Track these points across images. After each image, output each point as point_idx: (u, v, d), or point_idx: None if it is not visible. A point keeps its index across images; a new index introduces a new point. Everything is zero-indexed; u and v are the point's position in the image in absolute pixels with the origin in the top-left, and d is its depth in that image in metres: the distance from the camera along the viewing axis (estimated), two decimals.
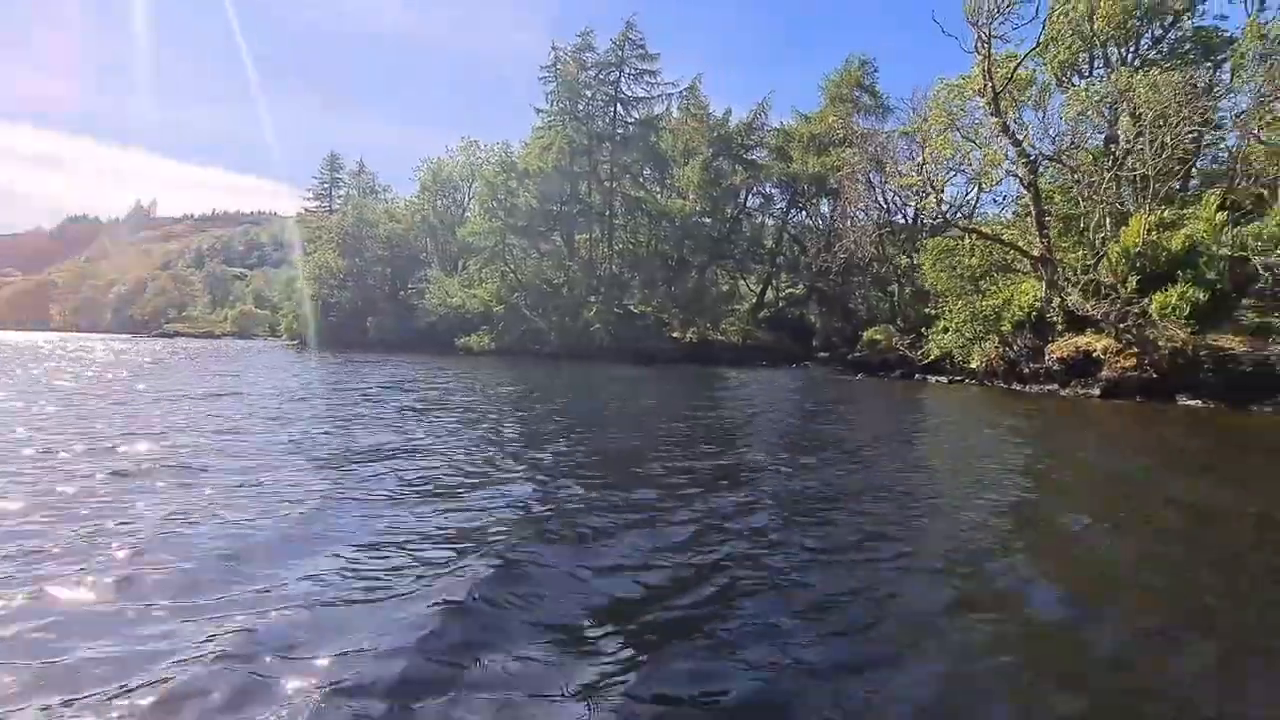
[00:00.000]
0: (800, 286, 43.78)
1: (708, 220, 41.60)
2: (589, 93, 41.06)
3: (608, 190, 40.84)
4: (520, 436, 8.77)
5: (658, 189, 43.89)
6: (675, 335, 36.08)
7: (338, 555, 3.87)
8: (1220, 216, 17.19)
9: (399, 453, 7.11)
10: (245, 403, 11.41)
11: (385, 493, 5.41)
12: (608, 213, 41.06)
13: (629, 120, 41.20)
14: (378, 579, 3.52)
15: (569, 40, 41.49)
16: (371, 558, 3.87)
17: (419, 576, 3.56)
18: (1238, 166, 17.46)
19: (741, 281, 45.97)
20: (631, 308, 37.92)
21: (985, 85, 19.26)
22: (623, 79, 40.58)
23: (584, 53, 41.17)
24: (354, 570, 3.64)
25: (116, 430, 7.87)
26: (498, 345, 37.21)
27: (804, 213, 42.88)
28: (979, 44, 19.48)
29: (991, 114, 19.45)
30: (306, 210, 67.34)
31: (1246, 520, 5.79)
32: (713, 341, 35.82)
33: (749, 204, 44.11)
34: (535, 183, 39.51)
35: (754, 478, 6.66)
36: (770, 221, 44.85)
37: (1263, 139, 16.08)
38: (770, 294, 44.81)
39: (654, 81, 41.03)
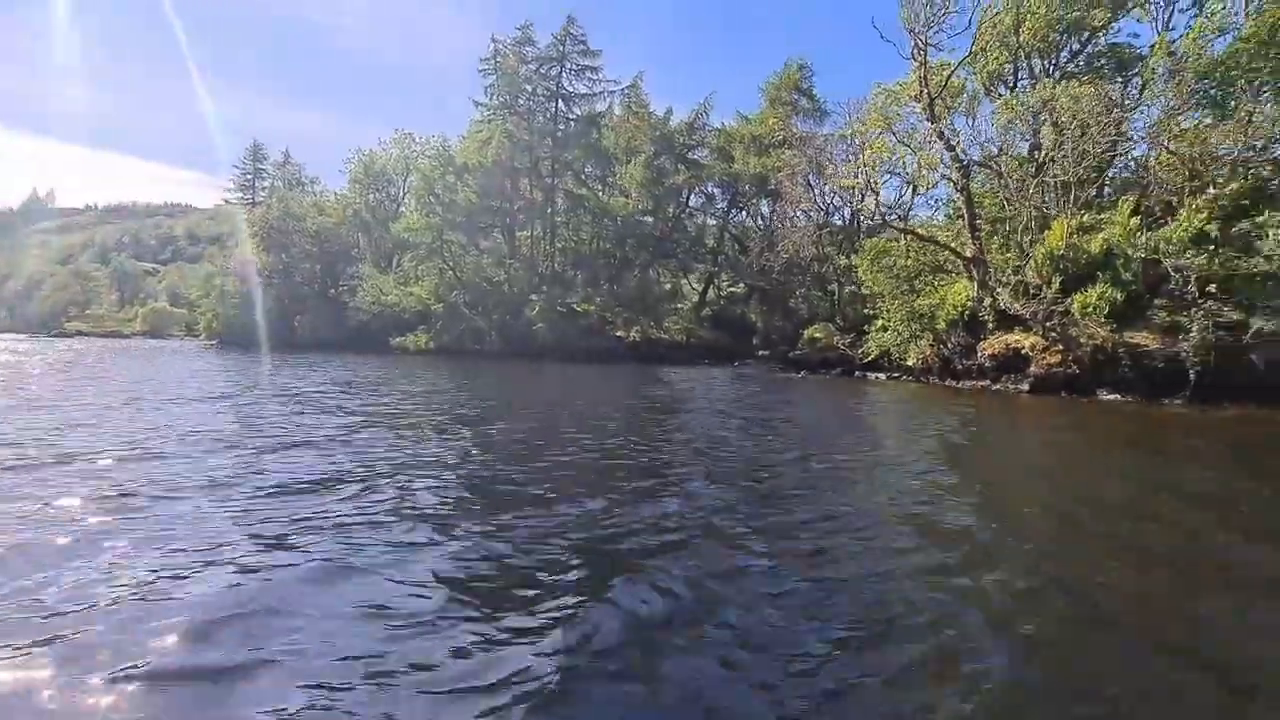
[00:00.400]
0: (741, 285, 44.35)
1: (650, 219, 41.61)
2: (529, 87, 40.40)
3: (549, 187, 40.28)
4: (494, 452, 8.28)
5: (599, 187, 43.59)
6: (619, 334, 35.87)
7: (345, 617, 3.19)
8: (1134, 222, 18.30)
9: (370, 475, 6.10)
10: (173, 413, 10.49)
11: (377, 527, 4.57)
12: (549, 210, 40.53)
13: (570, 116, 40.79)
14: (412, 651, 2.90)
15: (509, 33, 40.78)
16: (393, 622, 3.16)
17: (472, 642, 2.99)
18: (1150, 175, 18.62)
19: (684, 280, 46.24)
20: (574, 306, 37.46)
21: (921, 91, 19.90)
22: (564, 74, 40.14)
23: (524, 46, 40.48)
24: (380, 641, 2.96)
25: (26, 450, 6.98)
26: (436, 345, 36.09)
27: (744, 212, 43.52)
28: (915, 51, 20.12)
29: (928, 119, 20.12)
30: (227, 202, 63.64)
31: (1194, 500, 6.09)
32: (656, 340, 35.81)
33: (691, 203, 44.39)
34: (474, 178, 38.55)
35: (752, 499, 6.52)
36: (712, 221, 45.32)
37: (1171, 149, 17.19)
38: (712, 292, 45.22)
39: (595, 78, 40.78)
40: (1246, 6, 18.02)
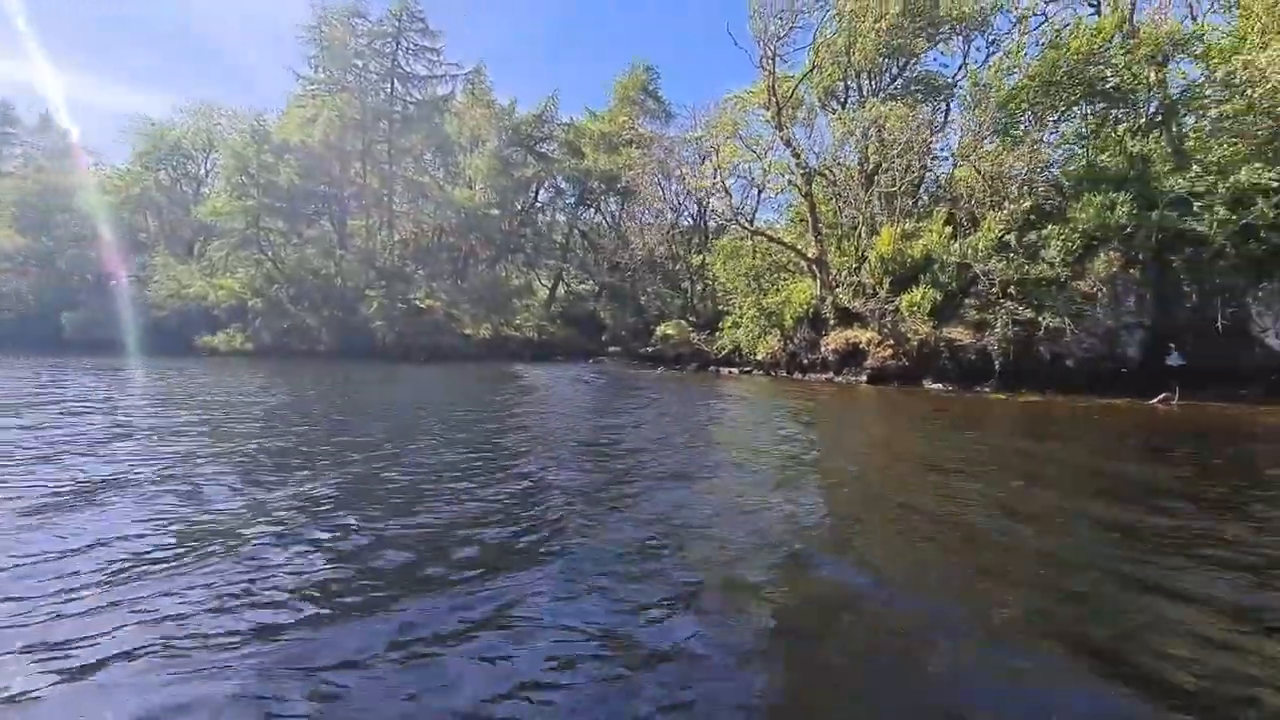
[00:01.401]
0: (590, 283, 44.30)
1: (496, 211, 40.08)
2: (360, 63, 37.06)
3: (386, 173, 37.30)
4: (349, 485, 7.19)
5: (442, 175, 41.25)
6: (467, 331, 34.17)
7: None
8: (947, 230, 20.73)
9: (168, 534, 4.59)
10: None
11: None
12: (386, 198, 37.55)
13: (409, 99, 38.07)
14: None
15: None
16: None
17: None
18: (959, 190, 21.17)
19: (535, 276, 45.22)
20: (417, 302, 35.09)
21: (770, 99, 20.96)
22: (400, 53, 37.31)
23: (353, 18, 37.02)
24: None
25: None
26: (254, 345, 31.92)
27: (593, 210, 43.44)
28: (764, 60, 21.15)
29: (776, 127, 21.25)
30: None
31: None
32: (508, 337, 34.65)
33: (539, 198, 43.48)
34: (297, 158, 34.56)
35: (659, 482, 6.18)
36: (561, 217, 44.77)
37: (979, 169, 19.68)
38: (562, 289, 44.69)
39: (436, 60, 38.37)
40: (1018, 51, 21.15)
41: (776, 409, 13.85)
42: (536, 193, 42.83)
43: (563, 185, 42.60)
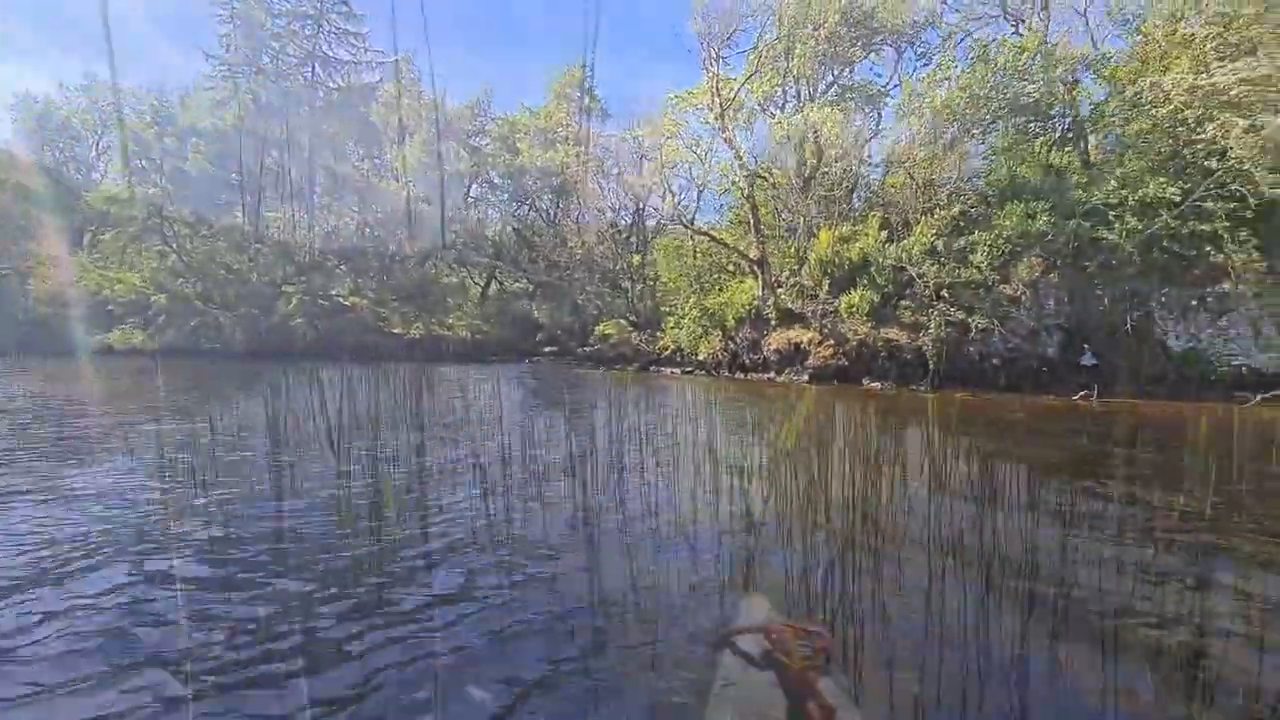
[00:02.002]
0: (524, 281, 43.39)
1: (426, 206, 38.68)
2: (277, 45, 34.93)
3: (306, 162, 35.27)
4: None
5: (367, 167, 39.42)
6: (396, 331, 32.77)
7: None
8: (882, 234, 21.41)
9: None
10: None
11: None
12: (307, 188, 35.52)
13: (331, 85, 36.18)
14: None
15: None
16: None
17: None
18: (893, 195, 21.93)
19: (467, 275, 43.86)
20: (341, 300, 33.36)
21: (714, 100, 21.07)
22: (322, 36, 35.42)
23: None
24: None
25: None
26: (158, 343, 29.44)
27: (528, 206, 42.61)
28: (708, 61, 21.25)
29: (720, 129, 21.38)
30: None
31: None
32: (440, 337, 33.46)
33: (473, 193, 42.26)
34: (207, 143, 32.20)
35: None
36: (495, 213, 43.68)
37: (914, 176, 20.46)
38: (495, 288, 43.60)
39: (360, 45, 36.69)
40: (948, 64, 22.17)
41: (756, 418, 13.85)
42: (469, 188, 41.61)
43: (496, 181, 41.53)
